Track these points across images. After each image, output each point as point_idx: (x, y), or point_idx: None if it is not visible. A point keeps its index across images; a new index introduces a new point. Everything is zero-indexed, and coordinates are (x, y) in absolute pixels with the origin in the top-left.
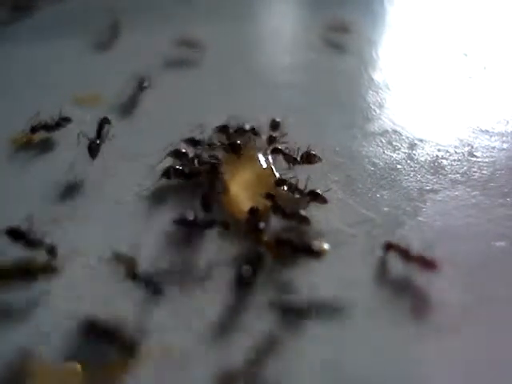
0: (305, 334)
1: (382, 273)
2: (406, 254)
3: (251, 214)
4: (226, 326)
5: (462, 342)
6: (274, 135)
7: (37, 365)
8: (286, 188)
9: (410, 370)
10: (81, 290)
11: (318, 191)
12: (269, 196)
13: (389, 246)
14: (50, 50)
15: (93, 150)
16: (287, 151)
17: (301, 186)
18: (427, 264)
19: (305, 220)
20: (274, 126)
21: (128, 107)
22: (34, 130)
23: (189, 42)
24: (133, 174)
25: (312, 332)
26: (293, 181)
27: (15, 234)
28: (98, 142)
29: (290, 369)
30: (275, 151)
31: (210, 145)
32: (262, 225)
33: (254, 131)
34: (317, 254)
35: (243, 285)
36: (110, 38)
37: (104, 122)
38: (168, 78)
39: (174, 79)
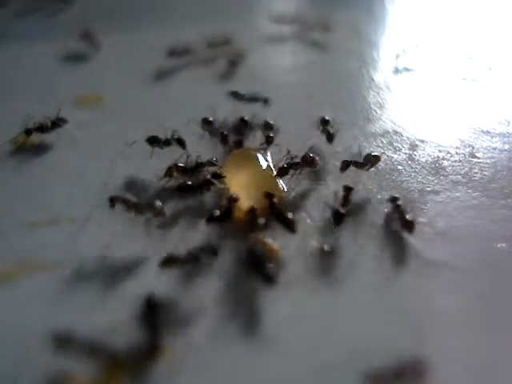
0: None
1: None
2: (399, 212)
3: (250, 214)
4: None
5: (463, 344)
6: (271, 135)
7: None
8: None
9: None
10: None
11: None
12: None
13: (393, 200)
14: (50, 49)
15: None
16: (294, 161)
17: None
18: (406, 224)
19: (291, 225)
20: (268, 127)
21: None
22: (28, 132)
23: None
24: (133, 174)
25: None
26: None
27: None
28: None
29: None
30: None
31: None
32: (262, 220)
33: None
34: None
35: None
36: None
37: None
38: (168, 78)
39: (173, 79)
